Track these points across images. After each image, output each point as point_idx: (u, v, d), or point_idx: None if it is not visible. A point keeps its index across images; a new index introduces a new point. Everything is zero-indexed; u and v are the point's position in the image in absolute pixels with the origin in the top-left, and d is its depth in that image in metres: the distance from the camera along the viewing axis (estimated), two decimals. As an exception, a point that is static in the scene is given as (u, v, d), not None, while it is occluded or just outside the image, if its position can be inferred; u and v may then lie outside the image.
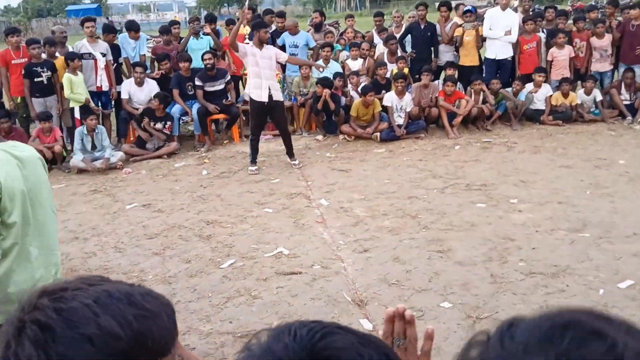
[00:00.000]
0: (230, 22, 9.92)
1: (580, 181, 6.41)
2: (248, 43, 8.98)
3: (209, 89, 8.64)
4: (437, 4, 10.72)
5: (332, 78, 8.78)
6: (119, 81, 8.93)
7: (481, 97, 8.82)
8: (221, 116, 8.85)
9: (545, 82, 9.01)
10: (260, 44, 7.08)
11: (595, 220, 5.28)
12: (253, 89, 7.14)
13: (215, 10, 55.13)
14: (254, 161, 7.39)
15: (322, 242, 5.12)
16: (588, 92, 8.95)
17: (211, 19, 10.32)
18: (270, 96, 7.08)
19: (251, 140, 7.40)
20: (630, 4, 9.18)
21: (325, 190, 6.61)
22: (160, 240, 5.36)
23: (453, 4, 10.53)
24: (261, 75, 7.04)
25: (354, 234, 5.27)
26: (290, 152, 7.56)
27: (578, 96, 8.96)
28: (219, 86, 8.71)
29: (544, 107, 8.95)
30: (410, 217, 5.60)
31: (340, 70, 9.22)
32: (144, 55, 9.51)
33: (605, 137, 8.18)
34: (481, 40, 9.30)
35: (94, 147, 7.87)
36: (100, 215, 6.14)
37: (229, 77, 8.92)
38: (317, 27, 10.21)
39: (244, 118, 9.29)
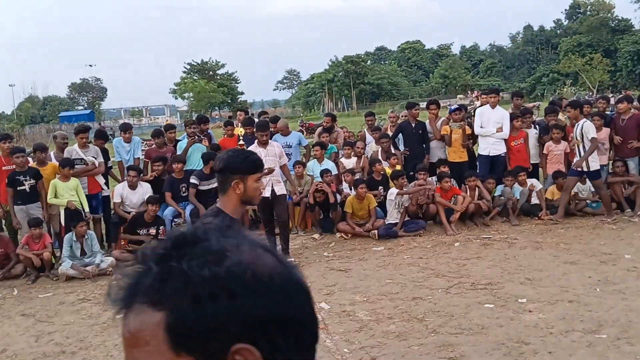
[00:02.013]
0: (228, 124, 10.03)
1: (589, 278, 6.21)
2: (243, 144, 9.05)
3: (204, 187, 8.55)
4: (425, 103, 10.94)
5: (320, 175, 8.85)
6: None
7: (477, 193, 8.77)
8: (215, 217, 8.67)
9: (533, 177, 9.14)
10: (263, 143, 7.37)
11: (611, 320, 5.03)
12: None
13: (207, 113, 56.53)
14: None
15: (325, 351, 4.80)
16: (583, 182, 8.90)
17: (204, 121, 10.40)
18: (273, 191, 7.37)
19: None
20: (618, 97, 9.36)
21: (325, 292, 6.34)
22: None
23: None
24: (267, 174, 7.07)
25: (359, 340, 4.97)
26: (286, 250, 7.37)
27: (575, 186, 8.92)
28: (214, 184, 8.62)
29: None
30: (417, 320, 5.32)
31: (333, 169, 9.22)
32: (138, 158, 9.49)
33: (607, 231, 8.06)
34: (468, 138, 9.40)
35: (83, 253, 7.61)
36: (88, 326, 5.80)
37: None
38: (328, 130, 10.37)
39: (238, 219, 9.15)
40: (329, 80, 70.53)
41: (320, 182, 8.63)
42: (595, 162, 8.39)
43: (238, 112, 11.08)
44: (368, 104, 66.17)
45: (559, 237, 7.87)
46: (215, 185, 8.55)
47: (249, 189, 2.84)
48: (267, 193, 7.22)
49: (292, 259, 7.17)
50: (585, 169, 8.38)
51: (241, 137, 9.11)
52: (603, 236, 7.79)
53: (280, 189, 7.53)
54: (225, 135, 9.80)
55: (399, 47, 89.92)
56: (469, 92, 60.96)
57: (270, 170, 7.20)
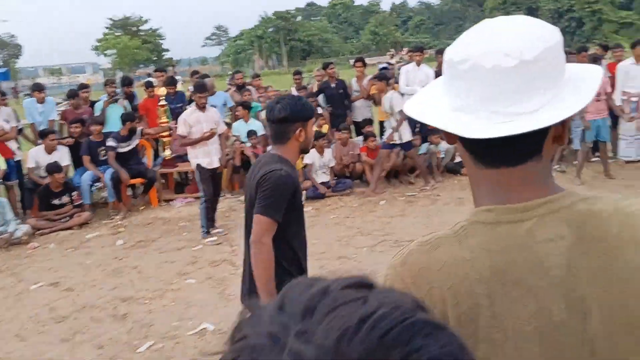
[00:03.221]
0: (149, 85, 9.62)
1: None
2: (165, 105, 8.73)
3: (123, 149, 8.19)
4: (352, 61, 10.87)
5: (247, 136, 8.66)
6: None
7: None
8: (138, 180, 8.41)
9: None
10: (202, 107, 6.87)
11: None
12: (202, 156, 6.85)
13: (131, 71, 54.44)
14: (208, 232, 6.96)
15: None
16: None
17: (128, 82, 9.95)
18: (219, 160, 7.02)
19: (206, 208, 6.95)
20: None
21: (251, 255, 6.28)
22: (69, 323, 4.84)
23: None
24: (208, 141, 6.80)
25: (283, 302, 4.96)
26: (212, 219, 7.19)
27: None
28: (133, 144, 8.30)
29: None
30: (341, 280, 5.36)
31: (260, 130, 9.06)
32: (53, 120, 9.00)
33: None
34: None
35: (-5, 221, 7.22)
36: (0, 298, 5.53)
37: (139, 133, 8.47)
38: (240, 87, 10.08)
39: (162, 181, 8.91)
40: (259, 37, 69.16)
41: (242, 145, 8.44)
42: (407, 133, 8.31)
43: (156, 72, 10.63)
44: (300, 61, 65.55)
45: (480, 193, 8.09)
46: (134, 146, 8.33)
47: (309, 135, 2.76)
48: (215, 164, 6.95)
49: (220, 229, 7.06)
50: (398, 141, 8.30)
51: (162, 98, 8.80)
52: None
53: (219, 160, 7.15)
54: (147, 96, 9.43)
55: (329, 3, 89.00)
56: (398, 50, 61.33)
57: (212, 134, 6.89)
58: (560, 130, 0.95)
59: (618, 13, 59.19)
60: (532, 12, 66.58)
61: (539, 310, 0.89)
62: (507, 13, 65.53)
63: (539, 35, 0.89)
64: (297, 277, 1.79)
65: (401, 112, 8.06)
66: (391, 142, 8.33)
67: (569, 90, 0.91)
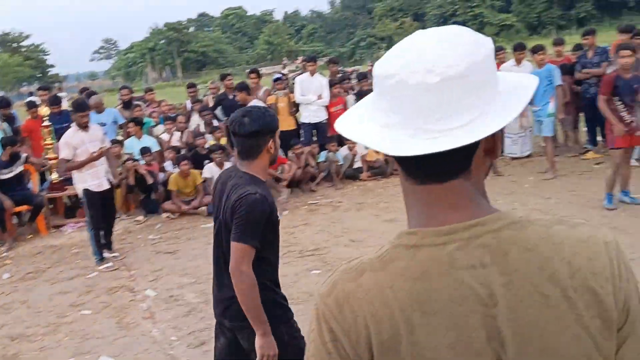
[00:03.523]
0: (31, 105, 9.04)
1: (406, 234, 6.58)
2: (49, 125, 8.23)
3: (5, 176, 7.63)
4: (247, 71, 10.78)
5: (140, 153, 8.36)
6: None
7: (303, 160, 8.90)
8: (23, 207, 7.87)
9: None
10: (84, 127, 6.40)
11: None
12: (91, 180, 6.40)
13: (14, 89, 51.23)
14: (102, 258, 6.56)
15: (152, 342, 4.57)
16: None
17: (5, 104, 9.26)
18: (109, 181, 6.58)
19: (95, 236, 6.54)
20: None
21: (151, 278, 6.04)
22: (-51, 372, 4.42)
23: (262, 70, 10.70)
24: (95, 162, 6.38)
25: (187, 325, 4.80)
26: (109, 242, 6.83)
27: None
28: (16, 170, 7.76)
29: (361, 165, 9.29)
30: (247, 296, 5.26)
31: (154, 146, 8.78)
32: None
33: (421, 187, 8.62)
34: (295, 106, 9.48)
35: None
36: None
37: (24, 158, 7.93)
38: (127, 105, 9.69)
39: (51, 206, 8.40)
40: (151, 49, 67.39)
41: (135, 164, 8.12)
42: None
43: (40, 91, 10.01)
44: (195, 72, 64.49)
45: (379, 197, 8.27)
46: (19, 169, 7.78)
47: (277, 146, 2.66)
48: (105, 185, 6.49)
49: (116, 253, 6.73)
50: None
51: (45, 118, 8.31)
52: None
53: (109, 178, 6.69)
54: (30, 117, 8.85)
55: (222, 13, 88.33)
56: (293, 58, 61.88)
57: (101, 154, 6.40)
58: (492, 143, 0.93)
59: (498, 16, 62.99)
60: (419, 17, 69.48)
61: (458, 340, 0.87)
62: (395, 20, 68.00)
63: (467, 49, 0.88)
64: (276, 290, 2.30)
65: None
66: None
67: (499, 103, 0.89)
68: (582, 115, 9.34)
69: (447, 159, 0.88)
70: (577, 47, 9.65)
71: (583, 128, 9.50)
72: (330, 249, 6.32)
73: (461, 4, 63.69)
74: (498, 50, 10.37)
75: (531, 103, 7.82)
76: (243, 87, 8.63)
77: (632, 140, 6.36)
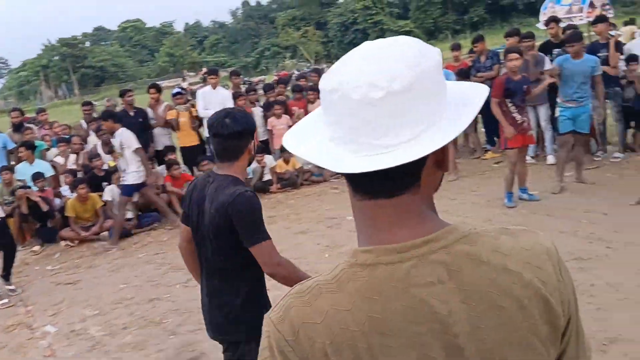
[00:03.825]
0: None
1: (318, 244, 6.55)
2: None
3: None
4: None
5: (32, 179, 7.86)
6: None
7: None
8: None
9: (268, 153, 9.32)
10: None
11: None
12: None
13: None
14: None
15: (51, 385, 4.24)
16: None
17: None
18: None
19: None
20: None
21: (50, 313, 5.65)
22: None
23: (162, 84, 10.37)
24: None
25: (91, 362, 4.50)
26: (8, 274, 6.34)
27: (298, 160, 9.39)
28: None
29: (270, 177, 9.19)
30: (155, 325, 5.02)
31: (48, 171, 8.27)
32: None
33: (331, 196, 8.63)
34: (197, 120, 9.24)
35: None
36: None
37: None
38: (17, 128, 9.07)
39: None
40: (44, 66, 64.28)
41: (27, 191, 7.60)
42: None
43: None
44: (93, 88, 62.09)
45: (290, 209, 8.20)
46: None
47: (254, 147, 2.59)
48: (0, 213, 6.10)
49: (13, 286, 6.27)
50: None
51: None
52: (327, 201, 8.32)
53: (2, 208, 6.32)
54: None
55: (119, 26, 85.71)
56: (198, 70, 61.01)
57: None
58: (441, 156, 0.91)
59: (397, 22, 65.07)
60: (321, 26, 70.52)
61: None
62: (298, 29, 68.65)
63: (412, 61, 0.85)
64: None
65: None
66: None
67: (448, 115, 0.87)
68: (479, 117, 9.72)
69: (395, 174, 0.86)
70: (472, 51, 10.03)
71: (481, 129, 9.88)
72: (241, 266, 6.15)
73: (361, 12, 65.27)
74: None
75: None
76: (109, 116, 7.84)
77: (525, 139, 6.65)
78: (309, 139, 0.93)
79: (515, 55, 6.48)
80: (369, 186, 0.90)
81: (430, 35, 63.00)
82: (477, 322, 0.86)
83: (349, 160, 0.86)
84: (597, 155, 8.23)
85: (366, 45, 0.91)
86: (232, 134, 2.48)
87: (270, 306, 2.50)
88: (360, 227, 0.95)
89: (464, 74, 9.09)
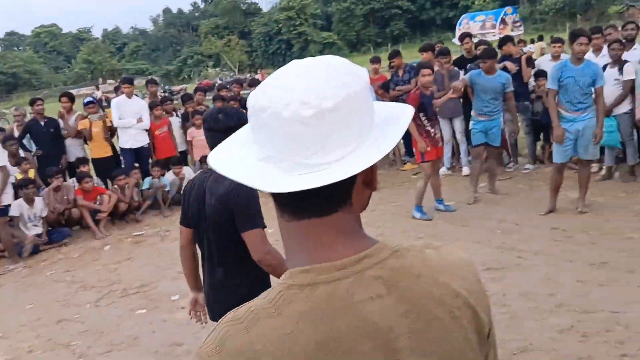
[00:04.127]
0: None
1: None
2: None
3: None
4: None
5: None
6: None
7: (128, 196, 8.34)
8: None
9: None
10: None
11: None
12: None
13: None
14: None
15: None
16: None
17: None
18: None
19: None
20: None
21: (-55, 340, 5.22)
22: None
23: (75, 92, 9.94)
24: None
25: (-10, 392, 4.19)
26: None
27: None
28: None
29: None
30: (63, 347, 4.75)
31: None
32: None
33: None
34: (110, 130, 8.91)
35: None
36: None
37: None
38: None
39: None
40: (-50, 72, 60.49)
41: None
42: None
43: None
44: (5, 95, 59.05)
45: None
46: None
47: None
48: None
49: None
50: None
51: None
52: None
53: None
54: None
55: (33, 31, 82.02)
56: (116, 78, 59.30)
57: None
58: (370, 175, 0.91)
59: (320, 34, 65.71)
60: (244, 35, 70.19)
61: None
62: (221, 37, 68.01)
63: (342, 81, 0.84)
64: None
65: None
66: None
67: (375, 136, 0.87)
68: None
69: (327, 193, 0.85)
70: (391, 66, 10.22)
71: (400, 141, 10.06)
72: (156, 284, 5.94)
73: (285, 22, 65.49)
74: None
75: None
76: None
77: (438, 151, 6.80)
78: (237, 158, 0.91)
79: (428, 70, 6.62)
80: (300, 205, 0.88)
81: (352, 47, 64.05)
82: (417, 335, 0.85)
83: (281, 179, 0.84)
84: (509, 167, 8.56)
85: (296, 63, 0.89)
86: (226, 129, 2.52)
87: None
88: (290, 248, 0.92)
89: (384, 88, 9.24)
